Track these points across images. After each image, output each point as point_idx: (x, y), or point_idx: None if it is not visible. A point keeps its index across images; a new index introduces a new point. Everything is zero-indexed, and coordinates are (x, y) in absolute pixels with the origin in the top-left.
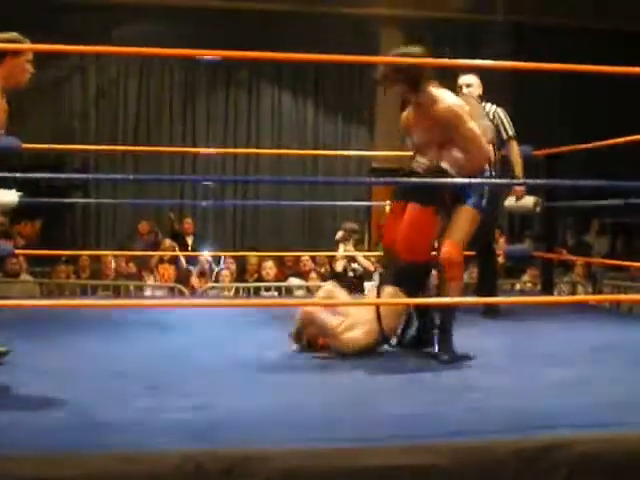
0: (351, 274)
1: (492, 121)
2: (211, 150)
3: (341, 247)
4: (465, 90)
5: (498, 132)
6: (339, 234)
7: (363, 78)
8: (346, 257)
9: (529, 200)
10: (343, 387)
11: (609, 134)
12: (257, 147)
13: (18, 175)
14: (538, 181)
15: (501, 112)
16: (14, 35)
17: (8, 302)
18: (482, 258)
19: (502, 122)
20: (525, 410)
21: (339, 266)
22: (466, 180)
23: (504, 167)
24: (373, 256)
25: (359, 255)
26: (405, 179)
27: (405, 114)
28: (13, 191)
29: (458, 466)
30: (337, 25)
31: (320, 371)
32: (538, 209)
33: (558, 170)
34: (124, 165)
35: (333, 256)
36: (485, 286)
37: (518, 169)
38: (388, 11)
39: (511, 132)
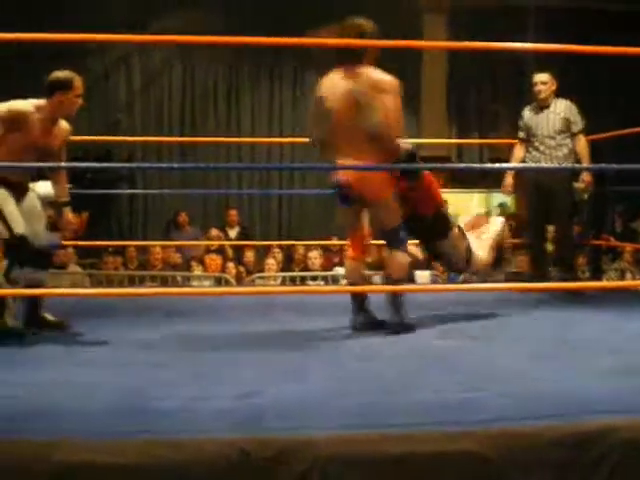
0: None
1: (565, 114)
2: (256, 140)
3: None
4: (540, 87)
5: (569, 125)
6: None
7: (407, 65)
8: None
9: (577, 186)
10: (384, 373)
11: None
12: (302, 136)
13: (64, 165)
14: (583, 166)
15: (573, 107)
16: (67, 73)
17: (59, 291)
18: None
19: (574, 116)
20: (573, 397)
21: None
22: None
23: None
24: None
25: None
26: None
27: None
28: None
29: (503, 453)
30: (379, 12)
31: (359, 358)
32: (586, 196)
33: (606, 156)
34: (170, 156)
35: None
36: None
37: (586, 160)
38: None
39: (581, 126)
